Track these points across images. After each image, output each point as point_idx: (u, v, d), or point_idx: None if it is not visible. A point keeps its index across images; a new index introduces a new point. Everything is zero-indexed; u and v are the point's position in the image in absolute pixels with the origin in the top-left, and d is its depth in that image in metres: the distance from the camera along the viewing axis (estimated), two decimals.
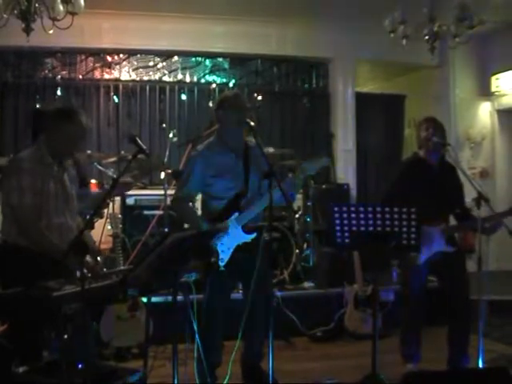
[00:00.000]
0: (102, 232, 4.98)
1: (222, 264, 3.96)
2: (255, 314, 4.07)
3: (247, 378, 4.30)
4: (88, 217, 3.97)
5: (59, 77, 7.98)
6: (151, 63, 8.40)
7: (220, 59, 8.67)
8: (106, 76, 8.22)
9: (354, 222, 3.80)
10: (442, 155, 4.70)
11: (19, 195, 3.50)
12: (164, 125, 8.15)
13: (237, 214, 4.03)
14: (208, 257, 3.81)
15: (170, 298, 3.19)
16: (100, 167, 6.17)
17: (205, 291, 4.12)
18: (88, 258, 3.50)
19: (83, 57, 8.09)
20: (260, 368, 4.28)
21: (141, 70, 8.36)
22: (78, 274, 2.88)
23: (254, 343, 4.27)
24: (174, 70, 8.49)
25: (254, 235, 4.04)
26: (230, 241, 3.99)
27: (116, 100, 8.17)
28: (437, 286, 4.91)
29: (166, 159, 6.43)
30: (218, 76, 8.69)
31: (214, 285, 4.09)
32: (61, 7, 5.59)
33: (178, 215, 5.02)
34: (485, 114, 9.35)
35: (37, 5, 5.53)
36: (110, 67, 8.22)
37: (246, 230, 4.04)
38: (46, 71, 7.98)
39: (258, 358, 4.31)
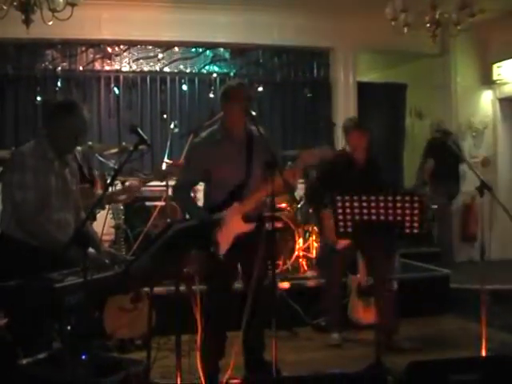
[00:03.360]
0: (103, 223, 4.97)
1: (221, 254, 3.95)
2: (256, 304, 4.05)
3: (250, 369, 4.30)
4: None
5: (59, 68, 7.96)
6: (152, 54, 8.38)
7: (221, 50, 8.65)
8: (107, 67, 8.21)
9: (356, 211, 3.80)
10: None
11: (22, 192, 3.45)
12: (165, 115, 8.11)
13: (237, 204, 4.03)
14: (208, 247, 3.79)
15: (172, 288, 3.18)
16: (101, 158, 6.17)
17: (206, 282, 4.11)
18: (90, 249, 3.50)
19: (83, 48, 8.06)
20: (263, 358, 4.27)
21: (141, 60, 8.34)
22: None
23: (256, 334, 4.26)
24: (175, 61, 8.47)
25: (253, 225, 4.04)
26: (229, 230, 3.99)
27: (117, 91, 8.16)
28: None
29: (167, 150, 6.43)
30: (218, 66, 8.68)
31: (215, 275, 4.08)
32: None
33: (178, 204, 5.01)
34: (486, 102, 9.33)
35: None
36: (110, 58, 8.20)
37: (246, 219, 4.03)
38: (46, 63, 7.96)
39: (260, 349, 4.31)
